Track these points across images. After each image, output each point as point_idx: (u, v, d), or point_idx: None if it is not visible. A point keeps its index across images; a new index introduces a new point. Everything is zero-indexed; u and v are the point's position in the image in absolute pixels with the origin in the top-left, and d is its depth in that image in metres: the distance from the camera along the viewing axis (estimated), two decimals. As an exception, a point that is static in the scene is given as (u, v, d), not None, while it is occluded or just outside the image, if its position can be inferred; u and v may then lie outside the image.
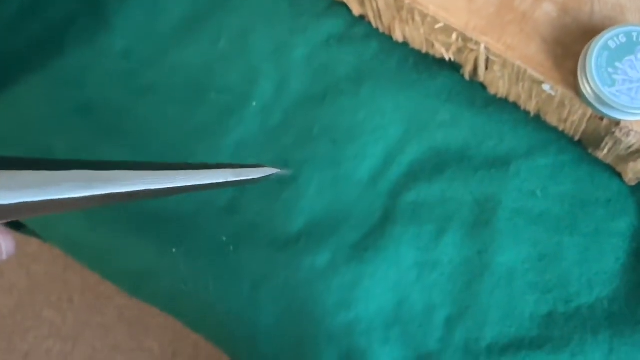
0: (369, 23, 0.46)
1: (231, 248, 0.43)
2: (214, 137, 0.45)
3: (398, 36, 0.45)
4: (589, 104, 0.36)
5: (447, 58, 0.43)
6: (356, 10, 0.46)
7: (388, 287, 0.41)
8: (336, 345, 0.41)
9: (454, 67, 0.44)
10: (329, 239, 0.42)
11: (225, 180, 0.31)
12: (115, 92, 0.47)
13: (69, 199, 0.27)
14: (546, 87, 0.38)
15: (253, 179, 0.32)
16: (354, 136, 0.44)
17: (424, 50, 0.45)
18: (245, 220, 0.44)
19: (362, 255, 0.42)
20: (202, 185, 0.30)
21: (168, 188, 0.29)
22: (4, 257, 0.32)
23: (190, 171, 0.30)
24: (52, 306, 1.05)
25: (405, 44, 0.45)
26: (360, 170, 0.43)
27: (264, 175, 0.32)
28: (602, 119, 0.38)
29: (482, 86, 0.44)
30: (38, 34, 0.49)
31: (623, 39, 0.35)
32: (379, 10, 0.44)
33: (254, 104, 0.46)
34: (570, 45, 0.38)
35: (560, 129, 0.43)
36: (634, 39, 0.35)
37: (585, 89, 0.36)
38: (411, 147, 0.43)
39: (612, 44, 0.35)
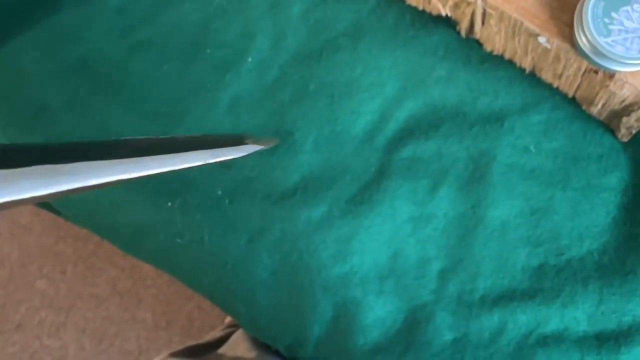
0: (366, -20, 0.46)
1: (227, 202, 0.44)
2: (210, 92, 0.45)
3: (395, -7, 0.45)
4: (584, 55, 0.37)
5: (443, 14, 0.43)
6: (354, -33, 0.46)
7: (383, 240, 0.42)
8: (331, 296, 0.41)
9: (450, 24, 0.44)
10: (325, 193, 0.42)
11: (203, 163, 0.29)
12: (111, 48, 0.47)
13: (31, 197, 0.24)
14: (542, 39, 0.39)
15: (234, 158, 0.30)
16: (351, 92, 0.44)
17: (420, 7, 0.45)
18: (241, 174, 0.44)
19: (358, 209, 0.42)
20: (177, 169, 0.28)
21: (139, 177, 0.27)
22: None
23: (164, 156, 0.27)
24: (45, 277, 1.05)
25: (401, 0, 0.45)
26: (356, 126, 0.44)
27: (245, 153, 0.30)
28: (596, 72, 0.38)
29: (478, 43, 0.44)
30: (32, -11, 0.49)
31: (619, -10, 0.36)
32: (376, -34, 0.44)
33: (250, 59, 0.46)
34: (567, -2, 0.38)
35: (555, 85, 0.43)
36: (630, -10, 0.36)
37: (581, 40, 0.36)
38: (407, 103, 0.44)
39: (608, -5, 0.36)
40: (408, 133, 0.43)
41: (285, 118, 0.44)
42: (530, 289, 0.40)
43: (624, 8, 0.35)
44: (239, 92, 0.45)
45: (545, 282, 0.40)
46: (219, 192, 0.44)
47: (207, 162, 0.29)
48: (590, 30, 0.35)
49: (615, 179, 0.41)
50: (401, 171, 0.42)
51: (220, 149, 0.29)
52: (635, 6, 0.35)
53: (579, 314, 0.39)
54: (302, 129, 0.44)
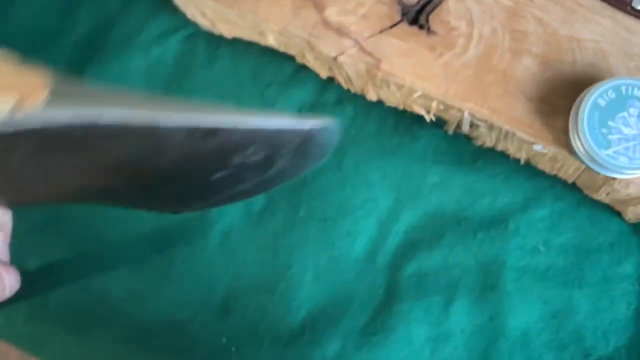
0: (339, 85, 0.44)
1: (233, 349, 0.41)
2: (197, 232, 0.43)
3: (372, 97, 0.43)
4: (584, 163, 0.35)
5: (427, 119, 0.41)
6: (324, 74, 0.43)
7: (403, 367, 0.40)
8: None
9: (436, 122, 0.42)
10: (335, 327, 0.40)
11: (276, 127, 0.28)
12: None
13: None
14: (537, 147, 0.37)
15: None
16: (343, 213, 0.42)
17: (401, 107, 0.43)
18: (244, 318, 0.41)
19: (372, 340, 0.40)
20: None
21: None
22: (7, 293, 0.29)
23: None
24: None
25: (380, 102, 0.43)
26: (355, 248, 0.41)
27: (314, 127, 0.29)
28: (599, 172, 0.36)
29: (467, 138, 0.42)
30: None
31: (612, 95, 0.34)
32: (349, 76, 0.41)
33: (233, 191, 0.43)
34: (557, 101, 0.36)
35: (553, 174, 0.41)
36: (623, 92, 0.34)
37: (580, 151, 0.34)
38: (404, 215, 0.41)
39: (601, 102, 0.34)
40: (410, 247, 0.41)
41: (280, 248, 0.42)
42: (562, 397, 0.39)
43: (620, 114, 0.34)
44: (227, 227, 0.43)
45: (577, 388, 0.39)
46: (224, 340, 0.41)
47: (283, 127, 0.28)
48: (589, 143, 0.33)
49: (630, 267, 0.40)
50: (410, 290, 0.40)
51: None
52: (632, 110, 0.34)
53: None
54: (299, 259, 0.42)
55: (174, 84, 0.45)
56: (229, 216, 0.43)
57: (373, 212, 0.42)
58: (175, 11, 0.45)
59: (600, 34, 0.36)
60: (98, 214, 0.44)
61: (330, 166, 0.42)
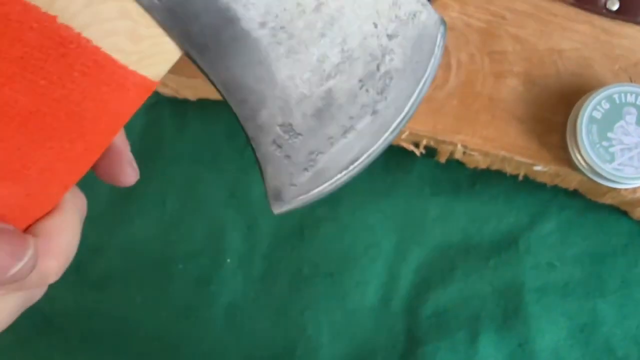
0: (319, 130, 0.42)
1: None
2: (199, 311, 0.40)
3: (355, 137, 0.41)
4: (589, 178, 0.34)
5: (418, 154, 0.39)
6: (301, 121, 0.41)
7: (439, 411, 0.38)
8: None
9: (427, 152, 0.40)
10: (363, 385, 0.39)
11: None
12: (72, 299, 0.41)
13: None
14: (537, 167, 0.36)
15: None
16: (349, 263, 0.40)
17: (386, 143, 0.41)
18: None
19: (403, 391, 0.38)
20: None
21: None
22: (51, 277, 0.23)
23: None
24: None
25: (364, 141, 0.41)
26: (368, 297, 0.40)
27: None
28: (603, 182, 0.35)
29: (460, 163, 0.41)
30: None
31: (607, 105, 0.33)
32: (329, 122, 0.39)
33: (229, 260, 0.41)
34: (549, 118, 0.35)
35: (554, 183, 0.40)
36: (617, 101, 0.33)
37: (583, 167, 0.33)
38: (411, 254, 0.40)
39: (597, 115, 0.33)
40: (424, 286, 0.40)
41: (290, 312, 0.40)
42: (605, 411, 0.38)
43: (618, 124, 0.32)
44: (230, 300, 0.40)
45: (618, 400, 0.38)
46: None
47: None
48: (592, 159, 0.32)
49: (647, 265, 0.39)
50: (432, 331, 0.39)
51: None
52: (629, 118, 0.32)
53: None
54: (312, 319, 0.40)
55: (145, 158, 0.43)
56: (229, 288, 0.40)
57: (378, 256, 0.40)
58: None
59: (580, 41, 0.35)
60: (88, 314, 0.41)
61: (325, 217, 0.40)
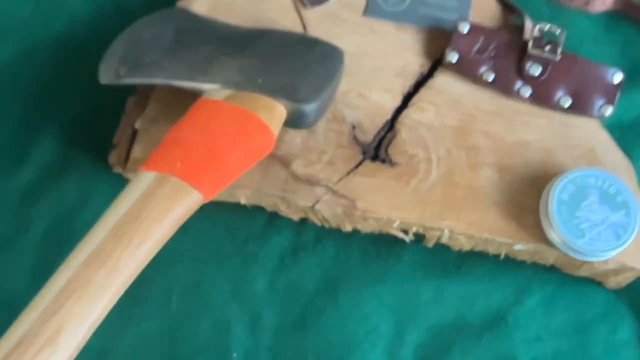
0: (314, 224, 0.45)
1: None
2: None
3: (348, 228, 0.44)
4: (564, 253, 0.38)
5: (407, 240, 0.42)
6: (296, 217, 0.45)
7: None
8: None
9: (415, 238, 0.44)
10: None
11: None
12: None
13: None
14: (518, 246, 0.39)
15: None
16: (350, 349, 0.42)
17: (377, 232, 0.44)
18: None
19: None
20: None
21: None
22: None
23: None
24: None
25: (357, 231, 0.44)
26: (371, 381, 0.41)
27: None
28: (577, 256, 0.39)
29: (445, 245, 0.44)
30: None
31: (572, 188, 0.37)
32: (324, 217, 0.43)
33: (235, 355, 0.42)
34: (523, 201, 0.39)
35: (533, 260, 0.44)
36: (580, 183, 0.37)
37: (558, 244, 0.37)
38: (409, 337, 0.42)
39: (564, 196, 0.37)
40: (424, 366, 0.42)
41: (297, 403, 0.41)
42: None
43: (584, 203, 0.37)
44: (237, 397, 0.41)
45: None
46: None
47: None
48: (565, 236, 0.36)
49: (626, 331, 0.42)
50: (434, 411, 0.41)
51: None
52: (592, 197, 0.37)
53: None
54: (319, 408, 0.41)
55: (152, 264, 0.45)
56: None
57: (378, 340, 0.42)
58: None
59: (541, 133, 0.40)
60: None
61: (326, 305, 0.43)
